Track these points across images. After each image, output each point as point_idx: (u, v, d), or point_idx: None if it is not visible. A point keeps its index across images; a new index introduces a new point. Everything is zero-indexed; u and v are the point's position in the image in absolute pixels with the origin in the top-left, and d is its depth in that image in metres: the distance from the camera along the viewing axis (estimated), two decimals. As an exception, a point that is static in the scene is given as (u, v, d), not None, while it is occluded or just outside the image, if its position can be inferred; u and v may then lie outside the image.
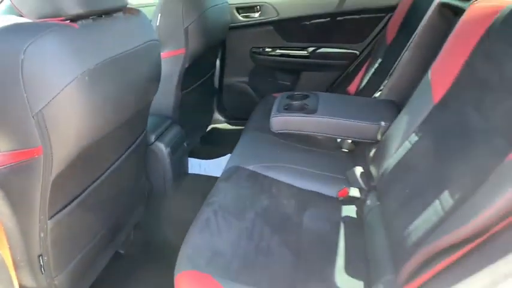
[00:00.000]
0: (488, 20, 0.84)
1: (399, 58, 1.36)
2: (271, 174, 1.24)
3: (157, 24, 1.40)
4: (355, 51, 1.93)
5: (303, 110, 1.24)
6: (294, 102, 1.28)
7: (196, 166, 2.06)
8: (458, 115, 0.85)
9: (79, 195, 0.87)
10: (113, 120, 0.86)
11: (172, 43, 1.44)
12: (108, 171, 0.99)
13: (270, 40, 2.00)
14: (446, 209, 0.71)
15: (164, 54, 1.46)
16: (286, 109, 1.24)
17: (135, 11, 0.96)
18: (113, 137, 0.91)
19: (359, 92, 1.77)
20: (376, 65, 1.70)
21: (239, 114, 2.25)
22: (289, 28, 1.96)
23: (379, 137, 1.15)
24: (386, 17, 1.83)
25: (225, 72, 2.14)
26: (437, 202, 0.75)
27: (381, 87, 1.44)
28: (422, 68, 1.26)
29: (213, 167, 2.06)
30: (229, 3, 1.97)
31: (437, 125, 0.91)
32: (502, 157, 0.64)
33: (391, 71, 1.37)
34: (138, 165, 1.28)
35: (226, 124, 2.31)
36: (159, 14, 1.39)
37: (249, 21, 1.98)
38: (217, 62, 2.10)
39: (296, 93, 1.36)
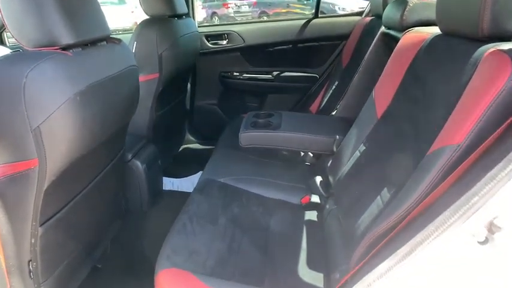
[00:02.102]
0: (417, 46, 1.02)
1: (352, 80, 1.55)
2: (241, 185, 1.36)
3: (133, 50, 1.52)
4: (315, 75, 2.13)
5: (268, 126, 1.39)
6: (260, 120, 1.42)
7: (170, 184, 2.14)
8: (396, 126, 1.02)
9: (67, 204, 0.95)
10: (99, 136, 0.96)
11: (147, 68, 1.56)
12: (92, 183, 1.07)
13: (237, 65, 2.17)
14: (385, 201, 0.86)
15: (140, 78, 1.58)
16: (253, 126, 1.38)
17: (117, 40, 1.08)
18: (98, 152, 1.00)
19: (320, 111, 1.95)
20: (334, 86, 1.89)
21: (210, 134, 2.37)
22: (255, 54, 2.13)
23: (334, 148, 1.31)
24: (342, 44, 2.05)
25: (196, 95, 2.27)
26: (378, 198, 0.90)
27: (337, 106, 1.62)
28: (370, 88, 1.46)
29: (185, 184, 2.15)
30: (199, 31, 2.13)
31: (380, 136, 1.08)
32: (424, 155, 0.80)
33: (345, 92, 1.56)
34: (117, 180, 1.36)
35: (197, 144, 2.42)
36: (135, 42, 1.51)
37: (217, 47, 2.14)
38: (189, 86, 2.23)
39: (262, 112, 1.51)
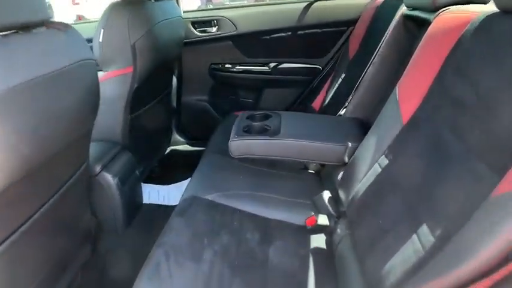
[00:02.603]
0: (457, 32, 0.77)
1: (363, 73, 1.30)
2: (233, 203, 1.12)
3: (100, 40, 1.26)
4: (317, 66, 1.87)
5: (264, 132, 1.14)
6: (255, 124, 1.18)
7: (154, 193, 1.90)
8: (431, 137, 0.77)
9: (14, 232, 0.74)
10: (35, 157, 0.71)
11: (118, 61, 1.30)
12: (46, 205, 0.84)
13: (229, 56, 1.90)
14: (427, 247, 0.62)
15: (109, 73, 1.32)
16: (246, 131, 1.14)
17: (62, 26, 0.82)
18: (49, 169, 0.78)
19: (324, 109, 1.70)
20: (340, 80, 1.64)
21: (200, 135, 2.12)
22: (249, 43, 1.87)
23: (346, 159, 1.07)
24: (348, 31, 1.79)
25: (182, 91, 2.01)
26: (415, 238, 0.66)
27: (346, 104, 1.37)
28: (388, 83, 1.21)
29: (172, 193, 1.90)
30: (184, 17, 1.86)
31: (408, 148, 0.84)
32: (486, 186, 0.55)
33: (356, 86, 1.31)
34: (80, 201, 1.12)
35: (186, 145, 2.17)
36: (102, 29, 1.25)
37: (206, 36, 1.87)
38: (174, 80, 1.97)
39: (257, 112, 1.26)
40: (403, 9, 1.16)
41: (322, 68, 1.87)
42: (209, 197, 1.13)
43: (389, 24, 1.28)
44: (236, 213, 1.09)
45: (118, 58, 1.29)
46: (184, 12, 1.90)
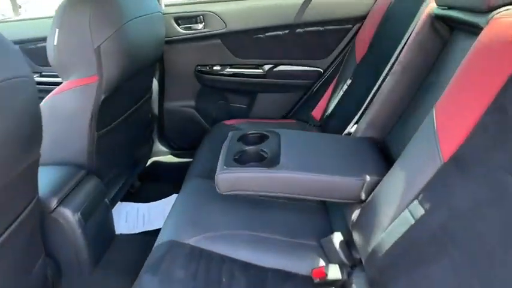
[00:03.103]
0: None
1: (378, 83, 1.08)
2: (220, 248, 0.90)
3: (55, 43, 1.01)
4: (318, 69, 1.65)
5: (260, 160, 0.92)
6: (248, 149, 0.95)
7: (133, 213, 1.67)
8: (486, 183, 0.56)
9: None
10: None
11: (79, 68, 1.06)
12: None
13: (218, 56, 1.66)
14: None
15: (69, 83, 1.08)
16: (236, 159, 0.91)
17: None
18: None
19: (326, 119, 1.48)
20: (345, 86, 1.42)
21: (185, 144, 1.89)
22: (241, 42, 1.63)
23: (363, 195, 0.85)
24: (354, 29, 1.56)
25: (165, 96, 1.77)
26: None
27: (355, 118, 1.15)
28: (409, 98, 0.99)
29: (154, 212, 1.68)
30: (166, 12, 1.61)
31: (454, 196, 0.62)
32: None
33: (369, 99, 1.09)
34: (29, 245, 0.89)
35: (170, 156, 1.93)
36: (57, 29, 1.01)
37: (191, 34, 1.62)
38: (155, 83, 1.73)
39: (250, 133, 1.03)
40: (430, 7, 0.93)
41: (324, 71, 1.64)
42: (191, 241, 0.90)
43: (408, 24, 1.06)
44: (225, 264, 0.87)
45: (78, 65, 1.05)
46: (166, 6, 1.65)
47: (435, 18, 0.90)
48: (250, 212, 1.02)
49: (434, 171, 0.67)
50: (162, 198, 1.76)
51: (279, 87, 1.69)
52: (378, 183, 0.83)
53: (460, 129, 0.65)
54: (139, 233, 1.55)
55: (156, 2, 1.38)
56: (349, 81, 1.40)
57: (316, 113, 1.60)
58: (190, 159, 1.89)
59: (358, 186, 0.84)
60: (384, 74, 1.06)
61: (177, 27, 1.61)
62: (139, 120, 1.55)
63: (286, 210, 1.04)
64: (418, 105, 0.96)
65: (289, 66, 1.65)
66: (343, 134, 1.17)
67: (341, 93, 1.43)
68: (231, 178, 0.85)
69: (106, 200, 1.19)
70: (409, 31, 1.02)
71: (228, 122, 1.64)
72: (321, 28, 1.57)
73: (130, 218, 1.64)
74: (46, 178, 1.05)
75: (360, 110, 1.18)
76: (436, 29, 0.91)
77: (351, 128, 1.12)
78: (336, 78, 1.54)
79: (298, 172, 0.84)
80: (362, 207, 0.85)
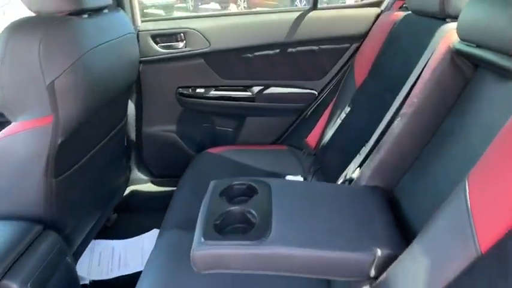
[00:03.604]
0: None
1: (384, 122, 0.93)
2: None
3: (-3, 78, 0.84)
4: (313, 91, 1.49)
5: (247, 223, 0.75)
6: (232, 209, 0.78)
7: (108, 252, 1.49)
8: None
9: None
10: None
11: (29, 108, 0.88)
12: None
13: (201, 77, 1.50)
14: None
15: (19, 125, 0.90)
16: (218, 226, 0.74)
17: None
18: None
19: (322, 149, 1.33)
20: (343, 114, 1.27)
21: (167, 171, 1.72)
22: (226, 62, 1.47)
23: (373, 272, 0.70)
24: (351, 48, 1.41)
25: (143, 120, 1.59)
26: None
27: (358, 159, 1.00)
28: (423, 143, 0.84)
29: (131, 251, 1.50)
30: (142, 29, 1.44)
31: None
32: None
33: (374, 141, 0.93)
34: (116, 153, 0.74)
35: (150, 184, 1.76)
36: (-1, 63, 0.83)
37: (170, 53, 1.45)
38: (131, 107, 1.55)
39: (236, 183, 0.87)
40: (449, 39, 0.78)
41: (319, 93, 1.49)
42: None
43: (418, 53, 0.91)
44: None
45: (29, 104, 0.88)
46: (142, 22, 1.47)
47: (456, 54, 0.75)
48: (235, 281, 0.86)
49: (468, 263, 0.52)
50: (141, 233, 1.59)
51: (270, 111, 1.53)
52: (391, 257, 0.68)
53: (504, 216, 0.50)
54: (114, 278, 1.38)
55: (127, 21, 1.21)
56: (347, 109, 1.25)
57: (311, 140, 1.45)
58: (172, 188, 1.72)
59: (367, 263, 0.69)
60: (391, 112, 0.91)
61: (155, 45, 1.44)
62: (113, 152, 1.38)
63: (277, 280, 0.89)
64: (434, 153, 0.81)
65: (280, 88, 1.49)
66: (343, 176, 1.02)
67: (339, 121, 1.28)
68: (209, 256, 0.69)
69: (67, 258, 1.01)
70: (421, 63, 0.87)
71: (213, 150, 1.47)
72: (315, 47, 1.42)
73: (105, 259, 1.46)
74: None
75: (361, 147, 1.03)
76: (457, 66, 0.76)
77: (353, 173, 0.96)
78: (333, 102, 1.39)
79: (294, 248, 0.68)
80: (373, 286, 0.70)
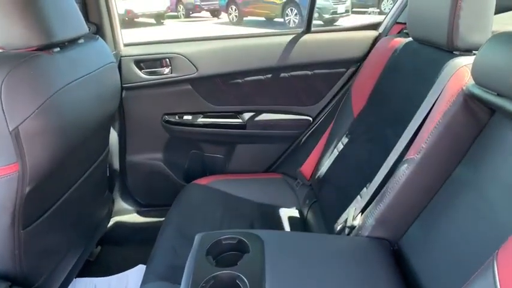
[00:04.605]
0: None
1: (387, 165, 0.84)
2: None
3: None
4: (307, 117, 1.41)
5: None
6: (220, 274, 0.69)
7: (89, 293, 1.38)
8: None
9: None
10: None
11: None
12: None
13: (188, 104, 1.41)
14: None
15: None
16: (204, 293, 0.65)
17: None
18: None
19: (318, 182, 1.24)
20: (340, 145, 1.18)
21: (154, 201, 1.62)
22: (215, 88, 1.38)
23: None
24: (348, 73, 1.33)
25: (127, 148, 1.49)
26: None
27: (359, 204, 0.91)
28: (431, 193, 0.76)
29: (115, 290, 1.40)
30: (125, 54, 1.34)
31: None
32: None
33: (377, 185, 0.85)
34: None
35: (135, 215, 1.65)
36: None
37: (155, 79, 1.36)
38: (114, 135, 1.45)
39: (224, 238, 0.77)
40: (462, 80, 0.70)
41: (313, 119, 1.41)
42: None
43: (423, 89, 0.83)
44: None
45: (-10, 152, 0.78)
46: (125, 45, 1.38)
47: (470, 97, 0.67)
48: None
49: None
50: (126, 268, 1.48)
51: (262, 138, 1.44)
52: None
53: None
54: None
55: (107, 50, 1.11)
56: (345, 139, 1.17)
57: (306, 169, 1.36)
58: (159, 219, 1.62)
59: None
60: (395, 155, 0.83)
61: (139, 71, 1.35)
62: (94, 186, 1.28)
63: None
64: (444, 204, 0.73)
65: (272, 114, 1.41)
66: (343, 221, 0.93)
67: (335, 152, 1.20)
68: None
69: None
70: (427, 102, 0.79)
71: (201, 181, 1.38)
72: (309, 72, 1.34)
73: (85, 301, 1.35)
74: None
75: (360, 184, 0.95)
76: (471, 110, 0.68)
77: (354, 220, 0.88)
78: (329, 130, 1.30)
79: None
80: None
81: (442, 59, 0.81)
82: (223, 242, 0.78)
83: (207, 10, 10.70)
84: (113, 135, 1.45)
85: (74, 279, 1.38)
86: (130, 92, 1.37)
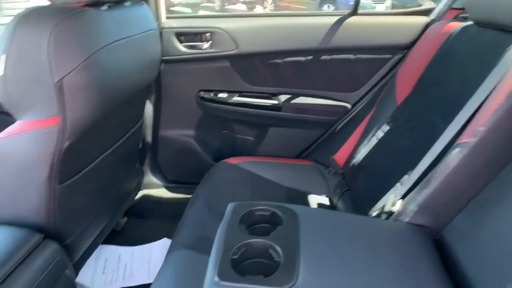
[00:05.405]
0: None
1: (436, 150, 0.79)
2: None
3: (2, 73, 0.75)
4: (345, 104, 1.36)
5: (266, 266, 0.64)
6: (253, 242, 0.67)
7: (114, 261, 1.40)
8: None
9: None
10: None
11: (34, 107, 0.79)
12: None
13: (225, 82, 1.39)
14: None
15: (22, 125, 0.81)
16: (235, 261, 0.63)
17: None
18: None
19: (352, 170, 1.20)
20: (381, 133, 1.13)
21: (182, 178, 1.62)
22: (253, 67, 1.36)
23: None
24: (394, 60, 1.27)
25: (161, 122, 1.50)
26: None
27: (401, 189, 0.87)
28: (484, 182, 0.70)
29: (138, 262, 1.41)
30: (166, 26, 1.34)
31: None
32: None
33: (422, 171, 0.80)
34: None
35: (163, 189, 1.66)
36: (4, 56, 0.74)
37: (194, 54, 1.35)
38: (149, 107, 1.46)
39: (258, 209, 0.75)
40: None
41: (352, 107, 1.36)
42: None
43: (482, 71, 0.77)
44: None
45: (34, 102, 0.79)
46: (167, 18, 1.38)
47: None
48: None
49: None
50: (150, 241, 1.50)
51: (296, 122, 1.41)
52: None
53: None
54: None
55: (150, 17, 1.11)
56: (386, 128, 1.11)
57: (339, 157, 1.32)
58: (186, 196, 1.63)
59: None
60: (445, 140, 0.77)
61: (179, 45, 1.34)
62: (126, 155, 1.29)
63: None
64: (499, 193, 0.67)
65: (310, 98, 1.37)
66: (379, 208, 0.89)
67: (374, 140, 1.15)
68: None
69: (67, 271, 0.92)
70: (487, 84, 0.73)
71: (231, 161, 1.36)
72: (352, 56, 1.29)
73: (110, 268, 1.37)
74: None
75: (401, 174, 0.90)
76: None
77: (393, 206, 0.83)
78: (368, 118, 1.25)
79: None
80: None
81: (507, 41, 0.75)
82: (256, 213, 0.75)
83: (243, 2, 10.71)
84: (148, 109, 1.46)
85: (100, 245, 1.41)
86: (169, 65, 1.37)
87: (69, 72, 0.76)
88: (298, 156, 1.49)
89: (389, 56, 1.27)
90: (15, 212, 0.87)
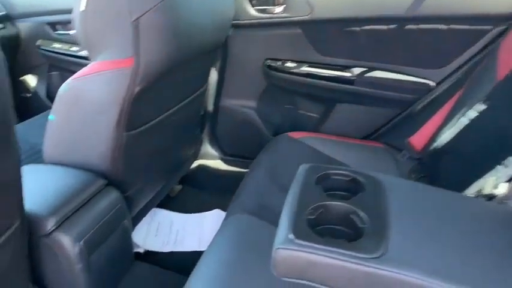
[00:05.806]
0: None
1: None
2: None
3: (82, 8, 0.73)
4: (429, 82, 1.22)
5: (351, 228, 0.55)
6: (333, 204, 0.58)
7: (166, 225, 1.40)
8: None
9: None
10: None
11: (109, 47, 0.77)
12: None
13: (294, 50, 1.31)
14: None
15: (94, 66, 0.80)
16: (312, 221, 0.55)
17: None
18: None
19: (434, 154, 1.06)
20: (473, 113, 0.98)
21: (240, 151, 1.58)
22: (327, 35, 1.26)
23: None
24: (494, 32, 1.10)
25: (223, 91, 1.46)
26: None
27: (503, 167, 0.73)
28: None
29: (189, 229, 1.39)
30: (238, -13, 1.29)
31: None
32: None
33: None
34: (10, 271, 0.63)
35: (219, 161, 1.63)
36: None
37: (265, 18, 1.28)
38: (214, 75, 1.42)
39: (335, 173, 0.66)
40: None
41: (437, 85, 1.21)
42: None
43: None
44: None
45: (109, 41, 0.77)
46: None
47: None
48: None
49: None
50: (203, 211, 1.48)
51: (369, 99, 1.29)
52: None
53: None
54: (167, 253, 1.27)
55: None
56: (482, 107, 0.96)
57: (417, 140, 1.18)
58: (242, 170, 1.58)
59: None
60: None
61: (250, 8, 1.28)
62: (187, 119, 1.26)
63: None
64: None
65: (388, 72, 1.24)
66: (475, 191, 0.76)
67: (464, 121, 1.00)
68: (299, 260, 0.50)
69: (126, 221, 0.90)
70: None
71: (293, 135, 1.28)
72: (443, 27, 1.14)
73: (162, 231, 1.37)
74: (48, 184, 0.79)
75: (501, 156, 0.76)
76: None
77: (496, 188, 0.70)
78: (456, 98, 1.10)
79: (422, 277, 0.46)
80: None
81: None
82: (333, 177, 0.67)
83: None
84: (212, 77, 1.42)
85: (154, 209, 1.41)
86: (237, 31, 1.31)
87: (146, 12, 0.73)
88: (367, 137, 1.37)
89: (490, 27, 1.10)
90: (82, 155, 0.87)
